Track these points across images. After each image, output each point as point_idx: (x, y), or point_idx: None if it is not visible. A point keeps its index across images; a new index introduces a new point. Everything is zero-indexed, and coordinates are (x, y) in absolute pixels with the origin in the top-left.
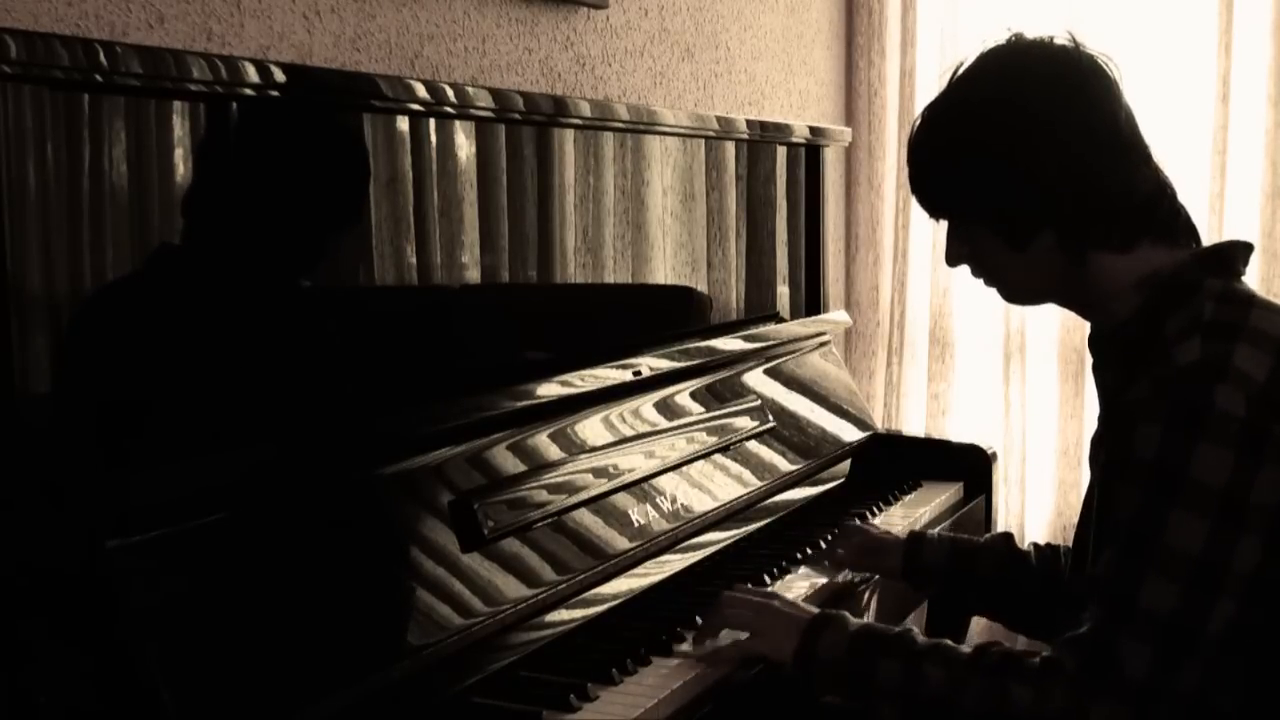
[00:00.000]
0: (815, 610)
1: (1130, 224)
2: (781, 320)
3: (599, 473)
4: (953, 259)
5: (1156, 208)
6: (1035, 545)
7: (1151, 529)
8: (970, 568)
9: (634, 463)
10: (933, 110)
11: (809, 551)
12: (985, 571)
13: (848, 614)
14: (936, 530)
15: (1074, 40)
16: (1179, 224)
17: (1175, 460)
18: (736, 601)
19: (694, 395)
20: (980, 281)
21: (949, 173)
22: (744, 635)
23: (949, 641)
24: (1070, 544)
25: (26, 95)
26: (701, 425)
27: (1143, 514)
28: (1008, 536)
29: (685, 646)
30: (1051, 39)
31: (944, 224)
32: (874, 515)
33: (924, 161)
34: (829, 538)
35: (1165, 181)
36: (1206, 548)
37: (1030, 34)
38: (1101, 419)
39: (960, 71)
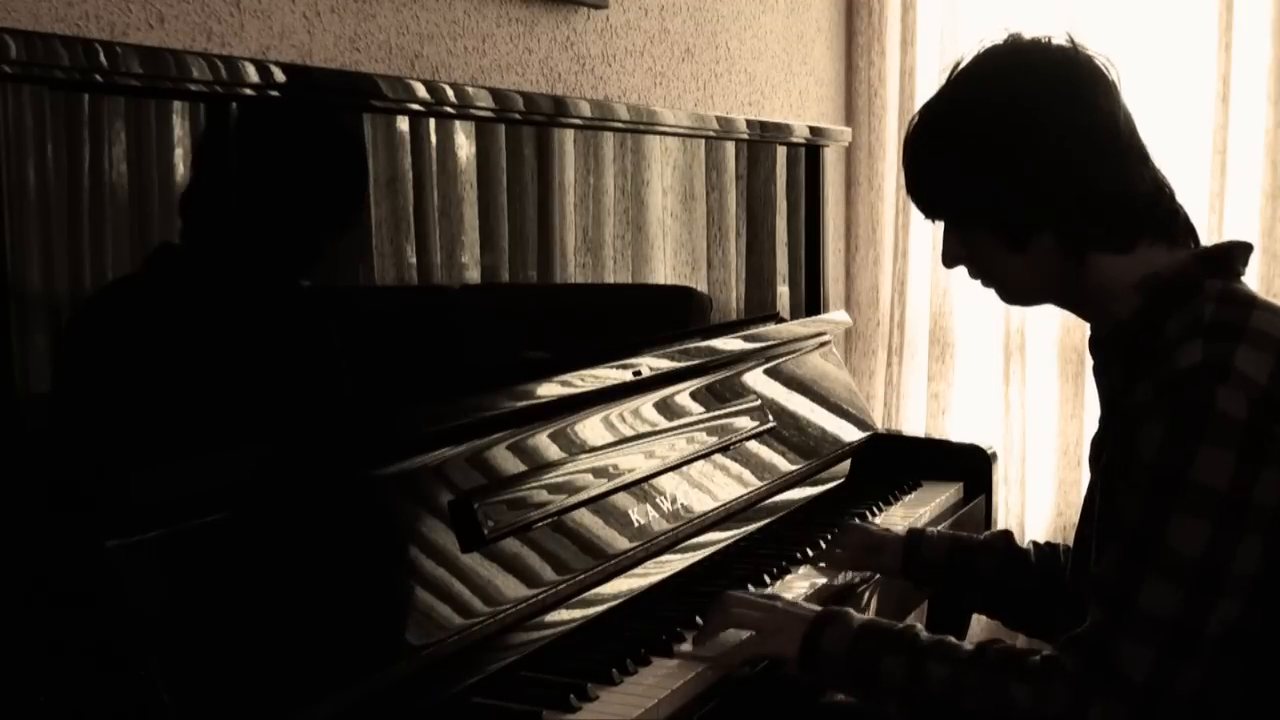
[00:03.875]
0: (818, 608)
1: (1129, 224)
2: (781, 320)
3: (599, 473)
4: (949, 260)
5: (1155, 208)
6: (1034, 543)
7: (1153, 530)
8: (969, 564)
9: (634, 463)
10: (929, 110)
11: (809, 551)
12: (985, 568)
13: (851, 610)
14: (936, 528)
15: (1072, 41)
16: (1178, 224)
17: (1177, 462)
18: (740, 601)
19: (694, 395)
20: (978, 282)
21: (946, 173)
22: (746, 635)
23: (952, 639)
24: (1069, 543)
25: (26, 95)
26: (701, 425)
27: (1144, 516)
28: (1007, 534)
29: (686, 647)
30: (1049, 39)
31: (941, 224)
32: (874, 515)
33: (920, 162)
34: (829, 537)
35: (1164, 182)
36: (1208, 550)
37: (1028, 34)
38: (1102, 420)
39: (957, 71)
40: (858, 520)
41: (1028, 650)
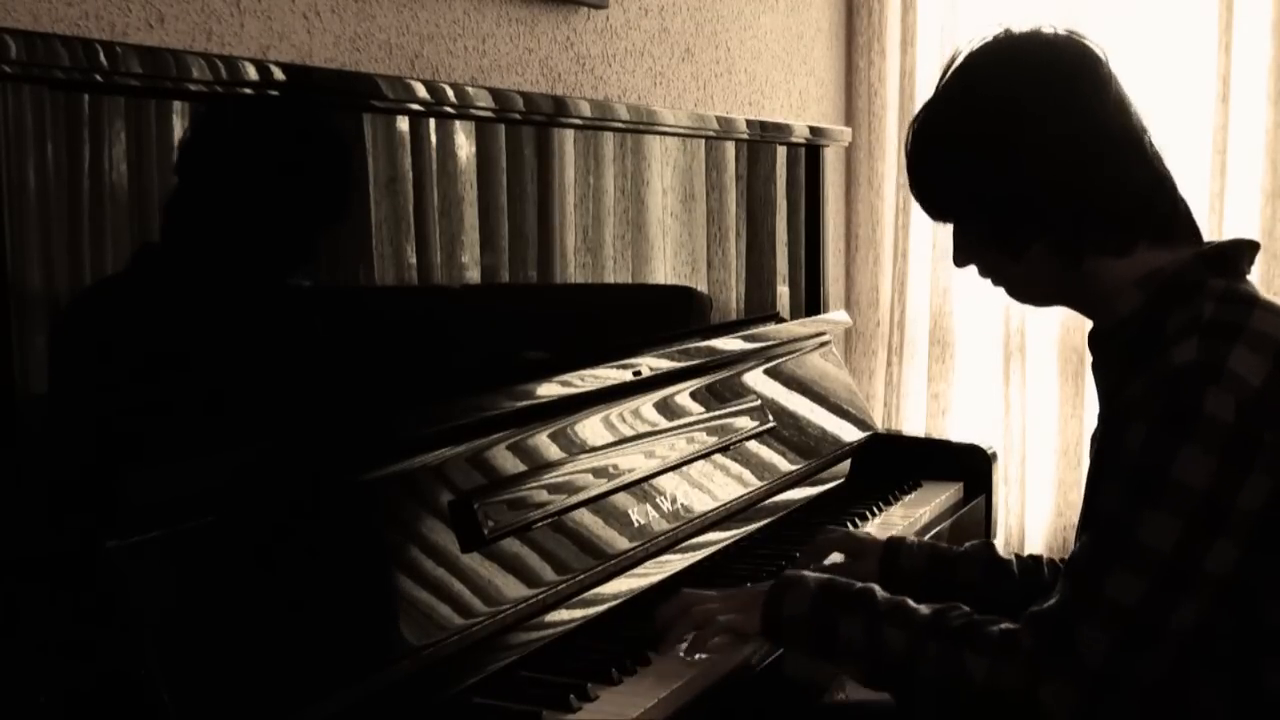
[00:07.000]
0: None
1: (1126, 226)
2: (781, 320)
3: (599, 473)
4: (960, 260)
5: (1153, 206)
6: (1017, 556)
7: (1127, 523)
8: (949, 575)
9: (634, 463)
10: (925, 112)
11: None
12: (965, 579)
13: (807, 573)
14: (916, 538)
15: (1060, 29)
16: (1178, 220)
17: (1158, 460)
18: (697, 597)
19: (694, 395)
20: (988, 281)
21: (941, 177)
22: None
23: (910, 601)
24: (1055, 555)
25: (26, 95)
26: (701, 425)
27: (1121, 508)
28: (989, 545)
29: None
30: (1039, 30)
31: (945, 225)
32: (874, 515)
33: (919, 165)
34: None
35: (1163, 173)
36: (1177, 548)
37: (1019, 28)
38: (1100, 416)
39: (950, 70)
40: (849, 525)
41: (987, 619)
